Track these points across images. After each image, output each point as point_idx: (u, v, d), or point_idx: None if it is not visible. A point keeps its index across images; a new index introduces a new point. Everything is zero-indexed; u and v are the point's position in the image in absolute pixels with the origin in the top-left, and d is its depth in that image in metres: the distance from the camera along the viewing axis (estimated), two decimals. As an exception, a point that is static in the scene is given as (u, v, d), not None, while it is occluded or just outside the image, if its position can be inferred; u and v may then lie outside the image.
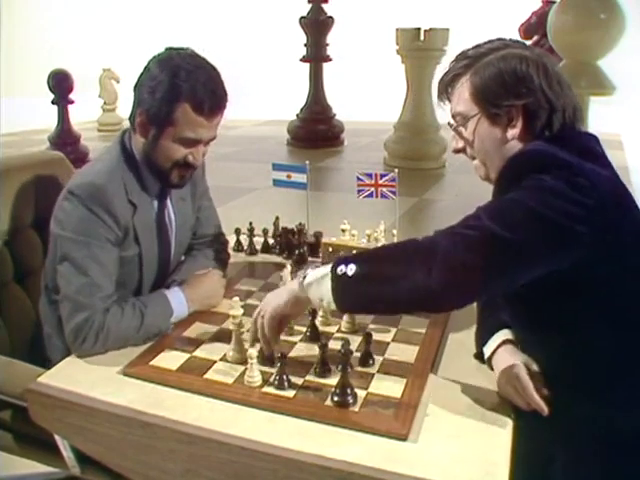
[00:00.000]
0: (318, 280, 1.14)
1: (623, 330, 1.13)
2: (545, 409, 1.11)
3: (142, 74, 1.44)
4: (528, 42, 4.08)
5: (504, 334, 1.26)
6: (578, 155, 1.12)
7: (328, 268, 1.11)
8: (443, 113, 1.36)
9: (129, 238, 1.49)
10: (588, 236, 1.05)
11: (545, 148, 1.13)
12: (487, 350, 1.27)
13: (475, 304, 1.40)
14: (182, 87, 1.37)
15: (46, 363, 1.47)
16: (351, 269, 1.07)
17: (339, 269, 1.08)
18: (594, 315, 1.13)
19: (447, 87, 1.26)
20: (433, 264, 1.02)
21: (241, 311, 1.29)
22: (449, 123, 1.28)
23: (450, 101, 1.27)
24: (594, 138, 1.22)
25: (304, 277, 1.17)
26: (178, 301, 1.47)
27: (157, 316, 1.42)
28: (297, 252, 1.86)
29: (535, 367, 1.17)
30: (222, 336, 1.40)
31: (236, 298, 1.31)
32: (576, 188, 1.05)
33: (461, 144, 1.27)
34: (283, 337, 1.39)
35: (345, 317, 1.46)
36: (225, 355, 1.32)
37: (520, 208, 1.06)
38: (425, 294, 1.04)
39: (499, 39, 1.24)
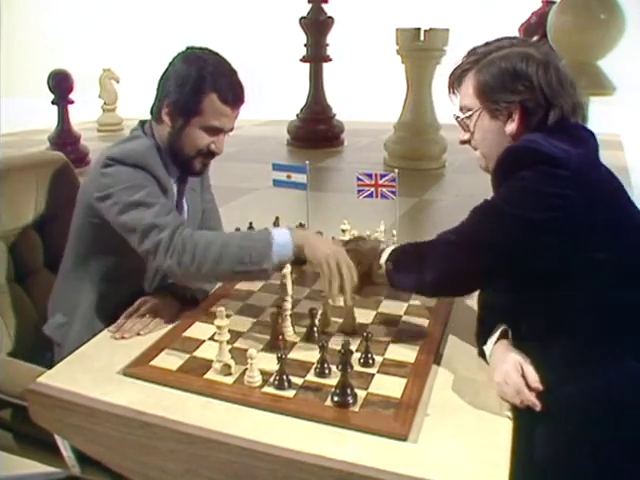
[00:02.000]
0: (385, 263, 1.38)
1: (610, 316, 1.17)
2: (538, 404, 1.12)
3: (167, 69, 1.55)
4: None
5: (500, 331, 1.27)
6: (568, 143, 1.20)
7: (388, 251, 1.40)
8: (443, 113, 1.40)
9: None
10: (567, 225, 1.14)
11: (529, 144, 1.21)
12: (487, 349, 1.28)
13: (475, 302, 1.42)
14: (209, 79, 1.49)
15: (56, 347, 1.54)
16: (389, 265, 1.37)
17: (388, 264, 1.37)
18: (578, 300, 1.18)
19: (456, 81, 1.36)
20: (427, 266, 1.28)
21: (226, 321, 1.25)
22: (455, 115, 1.37)
23: (459, 94, 1.37)
24: (589, 132, 1.29)
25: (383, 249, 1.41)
26: (280, 231, 1.39)
27: (254, 238, 1.37)
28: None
29: (528, 363, 1.17)
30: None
31: (221, 308, 1.25)
32: (555, 180, 1.15)
33: (467, 136, 1.37)
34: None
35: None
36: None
37: (495, 212, 1.22)
38: (425, 290, 1.37)
39: (508, 38, 1.33)
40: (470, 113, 1.33)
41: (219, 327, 1.25)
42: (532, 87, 1.24)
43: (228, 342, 1.27)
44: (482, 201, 1.26)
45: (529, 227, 1.17)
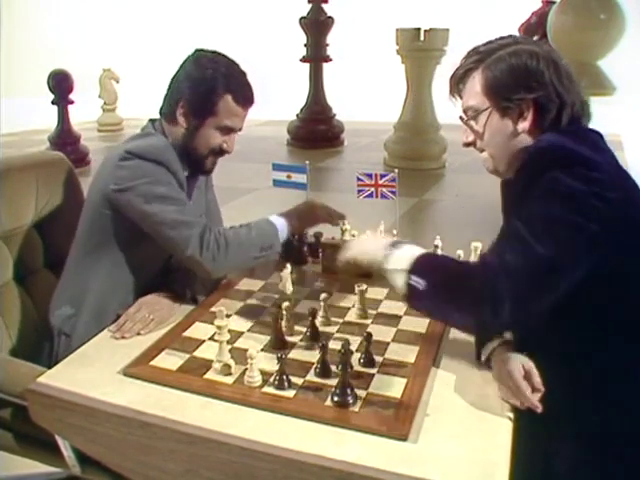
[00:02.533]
0: (396, 272, 1.16)
1: (627, 328, 1.14)
2: (539, 406, 1.11)
3: (179, 71, 1.59)
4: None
5: (500, 339, 1.26)
6: (588, 145, 1.14)
7: (408, 264, 1.13)
8: (443, 113, 1.38)
9: None
10: (609, 232, 1.07)
11: (561, 142, 1.15)
12: (485, 352, 1.27)
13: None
14: (223, 80, 1.54)
15: (64, 338, 1.55)
16: (421, 284, 1.11)
17: (412, 279, 1.12)
18: (598, 314, 1.14)
19: (459, 82, 1.30)
20: (486, 301, 1.05)
21: (226, 321, 1.26)
22: (460, 117, 1.31)
23: (461, 96, 1.31)
24: (599, 135, 1.24)
25: (390, 252, 1.19)
26: (277, 219, 1.60)
27: (264, 228, 1.57)
28: (297, 252, 1.86)
29: (530, 365, 1.17)
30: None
31: (221, 308, 1.27)
32: (596, 182, 1.07)
33: (471, 137, 1.30)
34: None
35: (357, 304, 1.50)
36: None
37: (548, 221, 1.07)
38: (485, 325, 1.11)
39: (510, 36, 1.28)
40: (478, 113, 1.26)
41: (219, 327, 1.25)
42: (544, 84, 1.19)
43: (228, 342, 1.27)
44: (515, 220, 1.10)
45: (588, 233, 1.06)
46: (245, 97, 1.58)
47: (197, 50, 1.61)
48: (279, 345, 1.35)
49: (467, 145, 1.32)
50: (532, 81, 1.19)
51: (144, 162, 1.49)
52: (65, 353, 1.40)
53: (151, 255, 1.60)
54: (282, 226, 1.60)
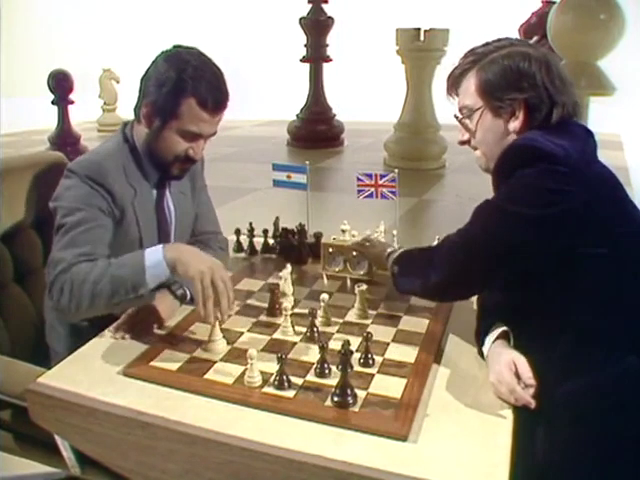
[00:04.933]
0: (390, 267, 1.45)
1: (610, 312, 1.17)
2: (532, 402, 1.12)
3: (149, 68, 1.50)
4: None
5: (497, 330, 1.28)
6: (567, 140, 1.21)
7: (395, 255, 1.47)
8: (443, 113, 1.41)
9: (128, 219, 1.51)
10: (568, 221, 1.15)
11: (527, 141, 1.22)
12: (485, 349, 1.28)
13: (474, 303, 1.42)
14: (189, 83, 1.43)
15: (49, 351, 1.54)
16: (395, 269, 1.42)
17: (394, 268, 1.42)
18: (579, 296, 1.18)
19: (455, 81, 1.36)
20: (430, 269, 1.29)
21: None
22: (455, 115, 1.37)
23: (458, 95, 1.36)
24: (584, 128, 1.30)
25: (390, 253, 1.49)
26: (154, 252, 1.34)
27: (127, 265, 1.34)
28: (297, 252, 1.86)
29: (521, 361, 1.17)
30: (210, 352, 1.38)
31: None
32: (555, 176, 1.16)
33: (466, 136, 1.37)
34: (283, 337, 1.40)
35: (357, 304, 1.50)
36: (224, 356, 1.32)
37: (496, 211, 1.23)
38: (429, 293, 1.37)
39: (506, 38, 1.34)
40: (472, 112, 1.32)
41: None
42: (536, 85, 1.25)
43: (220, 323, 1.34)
44: (483, 201, 1.26)
45: (531, 224, 1.17)
46: (214, 101, 1.45)
47: (174, 46, 1.52)
48: (276, 313, 1.46)
49: (462, 143, 1.39)
50: (523, 82, 1.25)
51: (77, 182, 1.44)
52: (55, 364, 1.35)
53: None
54: (156, 260, 1.32)
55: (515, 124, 1.28)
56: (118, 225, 1.49)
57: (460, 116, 1.36)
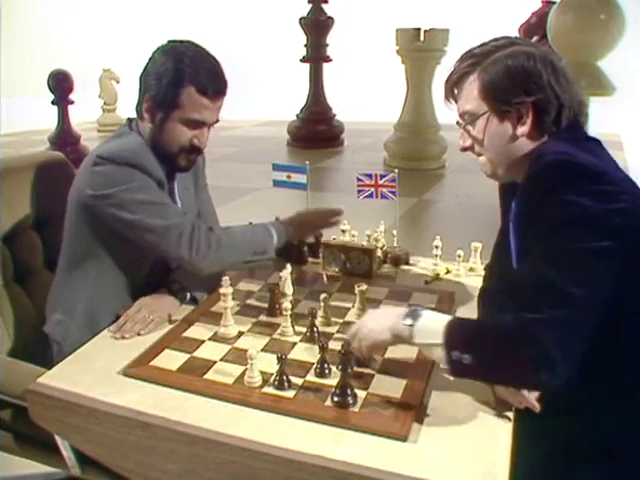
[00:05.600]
0: (429, 346, 1.11)
1: (632, 336, 1.13)
2: (537, 406, 1.11)
3: (147, 64, 1.53)
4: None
5: None
6: (591, 153, 1.13)
7: (439, 337, 1.08)
8: (443, 113, 1.37)
9: None
10: (627, 244, 1.05)
11: (567, 154, 1.10)
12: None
13: (475, 305, 1.41)
14: (186, 71, 1.47)
15: (52, 348, 1.55)
16: (466, 359, 1.05)
17: (454, 355, 1.06)
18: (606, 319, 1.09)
19: (454, 86, 1.26)
20: (541, 364, 1.01)
21: (230, 289, 1.39)
22: (457, 122, 1.28)
23: (457, 101, 1.27)
24: (598, 142, 1.23)
25: (411, 324, 1.13)
26: (272, 224, 1.61)
27: (259, 233, 1.57)
28: (297, 252, 1.86)
29: None
30: (222, 337, 1.40)
31: (226, 277, 1.40)
32: (606, 198, 1.05)
33: (469, 142, 1.27)
34: (282, 337, 1.40)
35: (357, 304, 1.50)
36: (224, 356, 1.32)
37: (571, 254, 1.04)
38: (543, 386, 1.08)
39: (504, 37, 1.24)
40: (475, 118, 1.22)
41: (224, 294, 1.39)
42: (543, 85, 1.16)
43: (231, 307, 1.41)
44: (537, 260, 1.07)
45: (616, 255, 1.04)
46: (213, 88, 1.49)
47: (169, 41, 1.55)
48: (277, 313, 1.46)
49: (464, 149, 1.29)
50: (530, 83, 1.16)
51: (118, 167, 1.45)
52: (58, 361, 1.37)
53: (138, 257, 1.58)
54: (279, 233, 1.59)
55: (524, 128, 1.18)
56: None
57: (462, 122, 1.26)
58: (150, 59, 1.53)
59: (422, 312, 1.14)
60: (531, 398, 1.12)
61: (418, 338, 1.12)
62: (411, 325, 1.12)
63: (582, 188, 1.05)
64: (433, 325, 1.11)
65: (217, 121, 1.55)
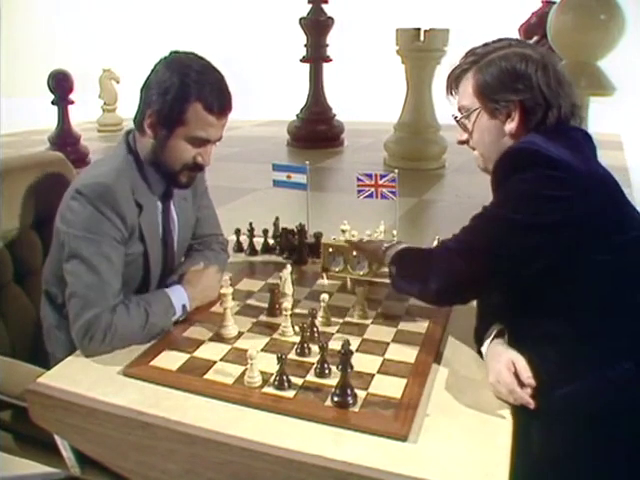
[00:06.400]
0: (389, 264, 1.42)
1: (609, 317, 1.17)
2: (531, 402, 1.13)
3: (149, 76, 1.47)
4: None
5: (496, 330, 1.29)
6: (567, 145, 1.21)
7: (392, 253, 1.43)
8: (443, 113, 1.41)
9: (134, 237, 1.49)
10: (568, 227, 1.15)
11: (528, 145, 1.21)
12: (484, 350, 1.29)
13: (475, 305, 1.42)
14: (193, 87, 1.41)
15: (49, 356, 1.51)
16: (392, 270, 1.38)
17: (391, 268, 1.40)
18: (579, 301, 1.18)
19: (455, 81, 1.37)
20: (429, 274, 1.25)
21: (231, 289, 1.41)
22: (454, 115, 1.38)
23: (457, 94, 1.37)
24: (583, 133, 1.30)
25: (387, 248, 1.47)
26: (180, 300, 1.47)
27: (161, 315, 1.42)
28: (297, 252, 1.86)
29: (520, 360, 1.18)
30: (222, 337, 1.40)
31: (226, 277, 1.42)
32: (554, 182, 1.16)
33: (465, 136, 1.38)
34: (282, 337, 1.40)
35: (357, 304, 1.51)
36: (224, 356, 1.33)
37: (495, 218, 1.22)
38: (428, 298, 1.32)
39: (506, 39, 1.34)
40: (469, 112, 1.33)
41: (224, 295, 1.40)
42: (531, 87, 1.25)
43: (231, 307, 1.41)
44: (481, 208, 1.26)
45: (530, 231, 1.16)
46: (220, 105, 1.44)
47: (171, 52, 1.49)
48: (277, 313, 1.47)
49: (461, 143, 1.41)
50: (519, 84, 1.26)
51: (87, 206, 1.39)
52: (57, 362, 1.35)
53: (127, 279, 1.49)
54: (181, 302, 1.47)
55: (511, 126, 1.28)
56: (126, 243, 1.47)
57: (458, 116, 1.37)
58: (152, 71, 1.46)
59: (400, 245, 1.45)
60: (525, 395, 1.13)
61: (386, 259, 1.44)
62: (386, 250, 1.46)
63: (533, 171, 1.17)
64: (395, 250, 1.42)
65: (221, 138, 1.50)
